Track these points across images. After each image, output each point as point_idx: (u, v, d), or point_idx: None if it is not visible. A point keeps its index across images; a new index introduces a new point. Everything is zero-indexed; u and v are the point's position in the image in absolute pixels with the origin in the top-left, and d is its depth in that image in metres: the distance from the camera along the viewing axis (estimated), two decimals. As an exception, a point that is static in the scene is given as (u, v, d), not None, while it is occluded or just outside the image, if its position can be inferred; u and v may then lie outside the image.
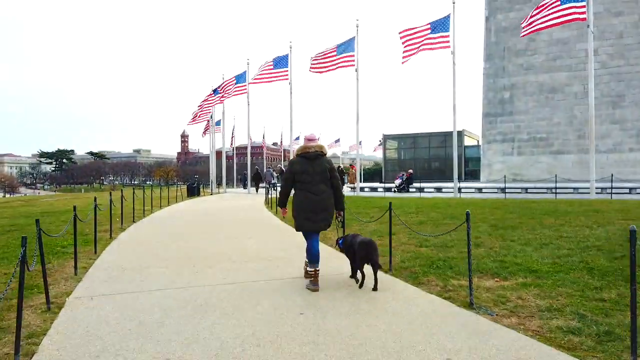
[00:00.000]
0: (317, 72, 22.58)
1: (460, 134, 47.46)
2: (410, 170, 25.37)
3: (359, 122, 21.72)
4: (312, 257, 5.68)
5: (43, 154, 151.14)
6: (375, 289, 5.35)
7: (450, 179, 43.91)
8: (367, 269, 5.51)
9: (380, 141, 53.29)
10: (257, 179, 31.72)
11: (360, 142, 68.60)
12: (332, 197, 5.76)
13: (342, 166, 30.65)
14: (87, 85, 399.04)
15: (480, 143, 45.22)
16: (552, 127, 41.02)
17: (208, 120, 39.03)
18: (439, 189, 24.58)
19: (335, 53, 22.31)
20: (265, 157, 62.06)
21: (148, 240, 9.55)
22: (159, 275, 6.16)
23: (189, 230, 10.94)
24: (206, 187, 36.15)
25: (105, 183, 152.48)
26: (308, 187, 5.64)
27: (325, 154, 5.84)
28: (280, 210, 6.19)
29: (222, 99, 30.94)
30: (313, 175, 5.62)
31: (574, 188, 23.28)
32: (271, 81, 25.67)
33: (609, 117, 39.48)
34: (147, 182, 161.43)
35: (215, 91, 32.51)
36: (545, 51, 41.76)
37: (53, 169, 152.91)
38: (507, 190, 21.60)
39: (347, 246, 5.80)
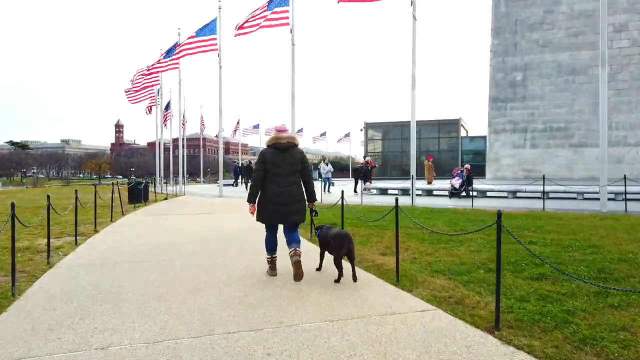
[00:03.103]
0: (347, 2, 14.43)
1: (457, 123, 40.39)
2: (468, 166, 17.34)
3: (415, 87, 13.30)
4: (271, 245, 5.62)
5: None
6: (354, 279, 5.18)
7: (445, 177, 35.62)
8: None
9: (361, 130, 45.09)
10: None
11: (324, 132, 60.07)
12: (302, 188, 5.61)
13: (368, 159, 22.39)
14: (7, 68, 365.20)
15: (487, 133, 38.25)
16: (573, 115, 35.00)
17: (153, 96, 29.33)
18: (513, 193, 16.60)
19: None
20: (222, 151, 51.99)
21: None
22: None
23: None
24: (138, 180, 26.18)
25: (28, 176, 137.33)
26: (278, 179, 5.46)
27: (297, 145, 5.68)
28: (248, 207, 5.69)
29: (177, 59, 21.42)
30: (284, 166, 5.47)
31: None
32: (267, 26, 16.91)
33: (640, 103, 33.89)
34: (78, 175, 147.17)
35: (168, 53, 22.96)
36: (565, 25, 35.54)
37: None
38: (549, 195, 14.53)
39: (322, 238, 5.59)
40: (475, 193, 16.70)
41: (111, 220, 10.96)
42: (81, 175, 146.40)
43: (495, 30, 37.71)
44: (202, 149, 48.60)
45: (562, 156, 34.99)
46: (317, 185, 9.16)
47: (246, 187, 27.34)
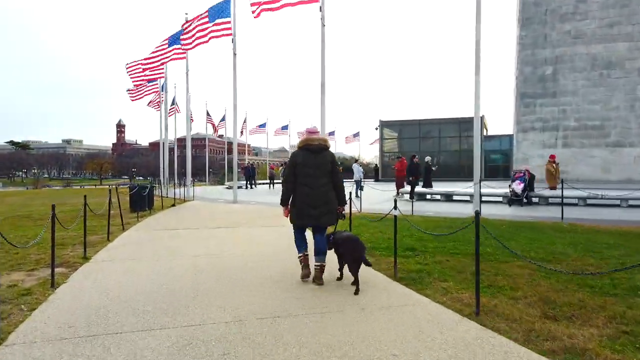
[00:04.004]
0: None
1: (481, 121, 37.74)
2: (529, 167, 14.81)
3: (479, 72, 10.83)
4: (300, 243, 5.57)
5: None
6: (340, 277, 5.26)
7: (468, 178, 33.52)
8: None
9: (376, 129, 42.55)
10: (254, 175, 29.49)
11: (332, 132, 57.45)
12: (332, 190, 5.51)
13: (428, 159, 20.02)
14: (8, 67, 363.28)
15: (514, 131, 35.73)
16: (609, 112, 32.53)
17: (157, 92, 26.90)
18: (583, 200, 14.00)
19: None
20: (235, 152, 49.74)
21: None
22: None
23: None
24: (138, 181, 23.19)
25: (29, 176, 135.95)
26: (309, 181, 5.38)
27: (329, 147, 5.62)
28: (282, 210, 5.65)
29: (184, 47, 18.93)
30: (315, 168, 5.39)
31: None
32: (292, 4, 14.57)
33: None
34: (83, 176, 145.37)
35: (172, 40, 20.50)
36: (599, 15, 33.05)
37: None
38: None
39: (335, 243, 5.42)
40: (536, 199, 14.14)
41: (108, 240, 8.43)
42: (88, 176, 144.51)
43: (522, 21, 35.19)
44: (207, 149, 46.21)
45: (597, 156, 32.47)
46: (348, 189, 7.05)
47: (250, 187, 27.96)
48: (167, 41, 20.74)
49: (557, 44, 33.87)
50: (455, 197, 16.95)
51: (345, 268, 5.23)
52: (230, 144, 56.37)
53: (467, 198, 15.31)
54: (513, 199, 14.08)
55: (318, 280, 5.29)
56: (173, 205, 16.19)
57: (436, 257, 6.37)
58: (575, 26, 33.37)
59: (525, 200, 14.10)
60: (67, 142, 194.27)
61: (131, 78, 23.91)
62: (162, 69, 23.45)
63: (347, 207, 6.05)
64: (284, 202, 5.56)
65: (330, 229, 5.76)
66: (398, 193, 18.83)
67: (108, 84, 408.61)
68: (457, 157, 39.19)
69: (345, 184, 5.88)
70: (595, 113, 32.56)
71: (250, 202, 17.39)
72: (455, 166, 38.22)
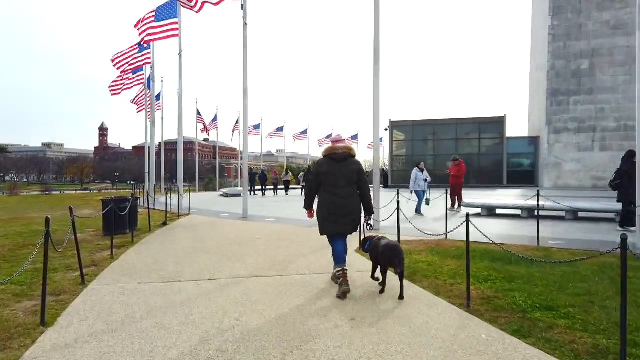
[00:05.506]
0: None
1: (501, 122, 34.12)
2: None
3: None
4: (338, 258, 5.41)
5: None
6: (401, 297, 4.92)
7: (488, 185, 29.88)
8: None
9: (385, 130, 38.55)
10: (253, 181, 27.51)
11: (329, 135, 53.35)
12: (358, 200, 5.46)
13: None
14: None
15: (545, 133, 31.94)
16: (653, 112, 28.73)
17: (143, 83, 22.76)
18: None
19: None
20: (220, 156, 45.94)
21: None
22: None
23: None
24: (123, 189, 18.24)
25: (6, 180, 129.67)
26: (333, 189, 5.35)
27: (354, 156, 5.54)
28: (306, 212, 5.72)
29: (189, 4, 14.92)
30: (339, 177, 5.35)
31: None
32: None
33: None
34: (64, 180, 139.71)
35: (159, 14, 16.46)
36: (642, 3, 29.29)
37: None
38: None
39: (371, 248, 5.52)
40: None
41: (42, 323, 4.07)
42: (70, 181, 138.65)
43: (554, 9, 31.48)
44: (197, 152, 41.83)
45: (640, 160, 28.85)
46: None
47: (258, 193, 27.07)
48: (153, 15, 16.45)
49: (593, 35, 30.29)
50: (535, 213, 12.87)
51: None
52: (214, 147, 51.81)
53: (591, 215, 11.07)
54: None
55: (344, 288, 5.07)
56: (164, 223, 11.87)
57: None
58: (615, 15, 29.89)
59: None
60: (48, 145, 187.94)
61: (116, 69, 19.74)
62: (149, 53, 19.19)
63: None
64: (308, 206, 5.57)
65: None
66: (454, 206, 14.65)
67: (91, 86, 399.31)
68: (475, 160, 35.32)
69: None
70: (637, 112, 29.16)
71: (266, 218, 13.13)
72: (473, 171, 34.22)
